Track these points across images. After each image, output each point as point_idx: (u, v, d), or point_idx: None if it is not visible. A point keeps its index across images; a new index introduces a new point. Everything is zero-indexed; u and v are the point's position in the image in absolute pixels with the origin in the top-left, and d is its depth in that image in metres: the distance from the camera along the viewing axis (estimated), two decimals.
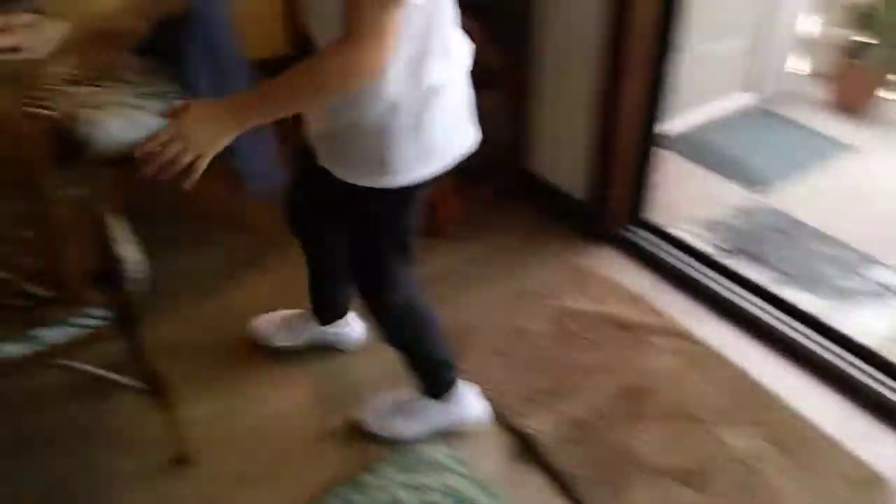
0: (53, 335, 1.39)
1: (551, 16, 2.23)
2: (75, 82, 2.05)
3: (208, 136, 1.08)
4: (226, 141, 1.10)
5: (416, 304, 1.60)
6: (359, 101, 1.21)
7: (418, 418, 1.74)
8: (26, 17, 1.71)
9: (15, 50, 1.58)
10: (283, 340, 1.96)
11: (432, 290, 2.17)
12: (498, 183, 2.54)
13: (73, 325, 1.41)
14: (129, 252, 1.44)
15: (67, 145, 1.16)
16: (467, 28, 2.16)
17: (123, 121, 1.96)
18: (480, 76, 2.35)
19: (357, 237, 1.46)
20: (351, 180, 1.31)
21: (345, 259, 1.56)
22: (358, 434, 1.76)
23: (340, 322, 1.94)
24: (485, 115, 2.49)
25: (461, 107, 1.36)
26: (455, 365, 1.71)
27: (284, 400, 1.87)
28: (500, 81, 2.36)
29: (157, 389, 1.58)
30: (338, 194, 1.36)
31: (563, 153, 2.41)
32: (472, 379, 1.82)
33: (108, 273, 1.40)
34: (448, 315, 2.06)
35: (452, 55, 1.28)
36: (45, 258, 1.26)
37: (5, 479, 1.63)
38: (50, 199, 1.18)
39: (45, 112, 1.12)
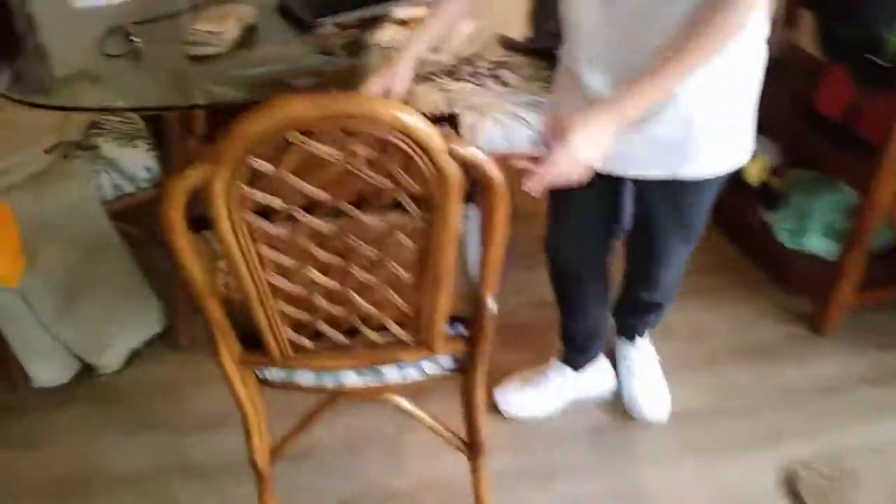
0: (395, 375, 1.25)
1: None
2: (456, 77, 1.93)
3: (594, 147, 1.07)
4: (609, 143, 1.08)
5: None
6: (739, 63, 1.15)
7: None
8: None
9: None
10: (531, 409, 1.71)
11: (805, 402, 1.75)
12: None
13: (417, 369, 1.25)
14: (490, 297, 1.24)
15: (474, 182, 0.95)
16: None
17: (499, 129, 1.79)
18: None
19: (674, 243, 1.41)
20: (707, 171, 1.24)
21: (606, 285, 1.58)
22: None
23: (593, 367, 1.73)
24: None
25: None
26: None
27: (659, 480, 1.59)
28: None
29: (474, 449, 1.39)
30: (651, 204, 1.35)
31: None
32: None
33: (468, 319, 1.22)
34: (823, 443, 1.63)
35: None
36: (416, 301, 1.10)
37: (310, 484, 1.58)
38: (443, 242, 1.00)
39: (467, 147, 0.91)
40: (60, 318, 1.65)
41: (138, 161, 1.65)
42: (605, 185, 1.31)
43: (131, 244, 1.74)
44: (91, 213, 1.60)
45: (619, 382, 1.77)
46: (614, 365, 1.79)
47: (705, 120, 1.18)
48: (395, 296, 1.09)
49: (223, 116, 1.63)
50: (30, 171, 1.55)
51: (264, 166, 0.89)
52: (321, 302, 1.09)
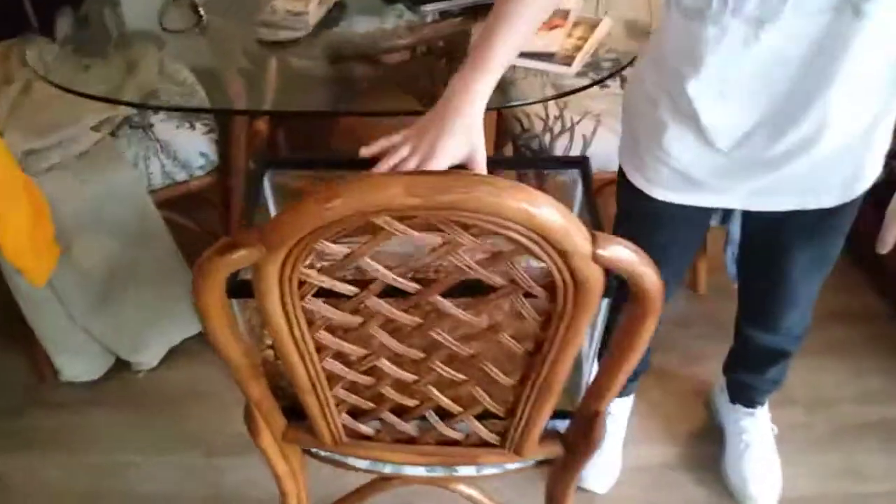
0: (469, 471, 1.01)
1: None
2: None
3: None
4: None
5: None
6: None
7: None
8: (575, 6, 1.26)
9: (549, 56, 1.16)
10: (613, 472, 1.50)
11: None
12: None
13: (497, 466, 1.01)
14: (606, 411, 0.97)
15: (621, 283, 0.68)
16: None
17: (617, 142, 1.48)
18: None
19: (807, 278, 1.19)
20: (863, 188, 1.04)
21: None
22: None
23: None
24: None
25: None
26: None
27: None
28: None
29: None
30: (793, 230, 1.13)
31: None
32: None
33: (569, 414, 0.96)
34: None
35: None
36: (511, 404, 0.85)
37: None
38: (563, 352, 0.74)
39: (617, 248, 0.63)
40: (94, 313, 1.47)
41: (194, 145, 1.43)
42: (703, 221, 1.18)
43: (178, 235, 1.53)
44: (137, 201, 1.40)
45: (725, 456, 1.50)
46: (722, 437, 1.52)
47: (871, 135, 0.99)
48: (485, 395, 0.84)
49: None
50: (73, 152, 1.34)
51: (333, 249, 0.64)
52: (389, 392, 0.85)
